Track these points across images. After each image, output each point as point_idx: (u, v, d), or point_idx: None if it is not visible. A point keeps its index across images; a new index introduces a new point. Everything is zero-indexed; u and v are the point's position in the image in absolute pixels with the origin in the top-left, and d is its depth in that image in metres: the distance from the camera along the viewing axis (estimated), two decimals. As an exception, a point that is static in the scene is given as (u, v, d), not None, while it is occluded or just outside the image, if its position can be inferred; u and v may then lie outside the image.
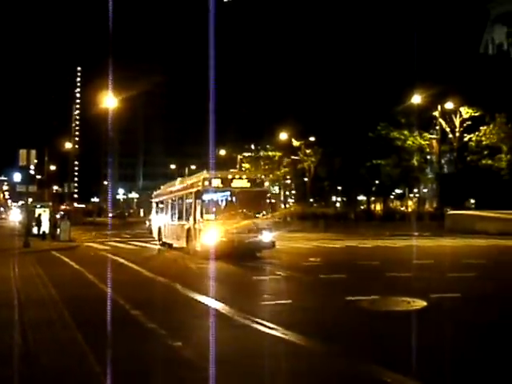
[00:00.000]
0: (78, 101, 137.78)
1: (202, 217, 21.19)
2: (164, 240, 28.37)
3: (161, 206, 30.63)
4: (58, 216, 41.96)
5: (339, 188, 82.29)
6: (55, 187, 79.43)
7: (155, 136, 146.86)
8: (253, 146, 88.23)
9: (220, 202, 22.33)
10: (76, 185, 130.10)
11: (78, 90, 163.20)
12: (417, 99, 48.64)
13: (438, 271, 16.78)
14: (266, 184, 23.30)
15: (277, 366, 7.20)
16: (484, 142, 49.61)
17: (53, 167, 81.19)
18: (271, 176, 69.71)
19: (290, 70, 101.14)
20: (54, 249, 26.76)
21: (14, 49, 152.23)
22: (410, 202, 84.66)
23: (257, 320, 9.67)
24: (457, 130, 50.50)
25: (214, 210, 21.61)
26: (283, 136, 72.05)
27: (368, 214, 75.02)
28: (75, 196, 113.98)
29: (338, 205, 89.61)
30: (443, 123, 50.25)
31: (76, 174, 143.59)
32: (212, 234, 20.54)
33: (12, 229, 47.65)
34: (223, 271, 17.64)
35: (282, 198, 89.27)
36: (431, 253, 23.87)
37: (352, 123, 63.28)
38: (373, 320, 10.11)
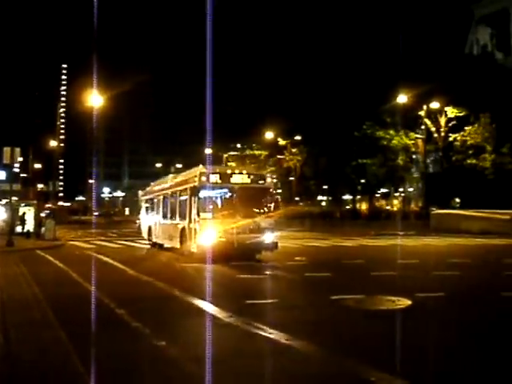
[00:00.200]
0: (63, 99, 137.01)
1: (198, 215, 19.39)
2: (154, 240, 27.00)
3: (151, 203, 29.07)
4: (42, 214, 41.73)
5: (325, 187, 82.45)
6: (40, 185, 78.92)
7: (141, 135, 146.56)
8: (239, 145, 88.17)
9: (218, 200, 20.69)
10: (61, 183, 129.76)
11: (64, 87, 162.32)
12: (402, 99, 48.83)
13: (422, 270, 16.85)
14: (269, 180, 21.21)
15: (262, 365, 7.18)
16: (469, 142, 49.94)
17: (38, 165, 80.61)
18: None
19: (277, 70, 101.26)
20: (38, 248, 26.57)
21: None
22: (395, 201, 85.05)
23: (242, 319, 9.66)
24: (442, 129, 50.74)
25: (211, 207, 19.86)
26: (269, 135, 72.10)
27: (354, 213, 75.28)
28: (60, 194, 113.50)
29: (323, 204, 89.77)
30: (428, 123, 50.50)
31: (61, 172, 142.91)
32: (209, 234, 18.93)
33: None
34: (210, 270, 17.59)
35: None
36: (416, 252, 23.97)
37: (338, 122, 63.44)
38: (358, 319, 10.13)
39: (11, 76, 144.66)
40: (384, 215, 67.58)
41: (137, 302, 11.60)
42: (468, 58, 66.35)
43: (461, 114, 49.82)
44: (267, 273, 16.44)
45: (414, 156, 61.04)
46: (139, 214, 33.52)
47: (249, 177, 20.57)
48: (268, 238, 19.79)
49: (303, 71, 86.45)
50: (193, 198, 19.94)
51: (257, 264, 18.99)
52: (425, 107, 49.49)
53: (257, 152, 79.37)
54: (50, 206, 56.38)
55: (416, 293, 12.01)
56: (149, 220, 28.79)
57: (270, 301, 11.62)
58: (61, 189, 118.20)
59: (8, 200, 32.25)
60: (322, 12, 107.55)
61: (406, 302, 11.29)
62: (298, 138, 70.43)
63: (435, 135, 51.43)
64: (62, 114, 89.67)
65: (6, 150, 27.12)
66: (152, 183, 32.35)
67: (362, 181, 67.28)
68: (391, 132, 55.96)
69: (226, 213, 19.77)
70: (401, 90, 48.87)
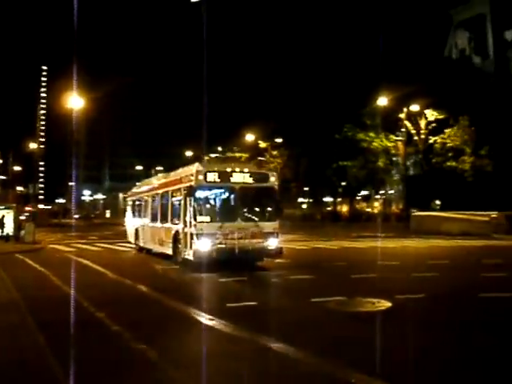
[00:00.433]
0: (43, 101, 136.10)
1: (194, 218, 17.41)
2: (142, 244, 25.27)
3: (139, 205, 27.14)
4: (22, 217, 41.35)
5: (306, 189, 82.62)
6: (20, 188, 78.32)
7: (122, 137, 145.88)
8: (220, 148, 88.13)
9: (217, 201, 19.23)
10: (41, 186, 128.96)
11: (44, 89, 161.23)
12: (383, 101, 49.15)
13: (403, 272, 16.94)
14: (272, 179, 18.92)
15: (242, 367, 7.19)
16: (448, 144, 50.34)
17: (17, 168, 79.98)
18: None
19: (258, 72, 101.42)
20: (17, 251, 26.30)
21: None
22: (376, 204, 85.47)
23: (222, 321, 9.68)
24: (422, 132, 51.08)
25: (209, 210, 18.39)
26: (250, 137, 72.13)
27: (334, 215, 75.56)
28: (40, 197, 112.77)
29: (304, 206, 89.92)
30: (409, 125, 50.81)
31: (41, 174, 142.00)
32: (207, 239, 17.14)
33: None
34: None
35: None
36: (396, 254, 24.11)
37: (318, 125, 63.67)
38: (338, 321, 10.18)
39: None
40: (365, 217, 67.92)
41: (116, 305, 11.56)
42: (447, 62, 66.81)
43: (440, 117, 50.18)
44: (246, 275, 16.15)
45: (394, 158, 61.34)
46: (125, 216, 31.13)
47: (250, 175, 18.53)
48: (272, 243, 18.15)
49: (284, 74, 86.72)
50: (188, 200, 17.99)
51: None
52: (405, 110, 49.81)
53: (237, 154, 79.36)
54: (29, 208, 55.96)
55: (396, 294, 12.09)
56: (136, 223, 27.06)
57: (249, 303, 11.63)
58: (41, 191, 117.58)
59: (-13, 203, 31.90)
60: (303, 16, 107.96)
61: (386, 304, 11.36)
62: (278, 140, 70.55)
63: (415, 138, 51.76)
64: (42, 117, 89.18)
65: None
66: (139, 183, 30.79)
67: (343, 183, 67.55)
68: (372, 134, 56.20)
69: (226, 216, 18.18)
70: (381, 93, 49.19)
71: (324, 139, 62.40)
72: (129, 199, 30.22)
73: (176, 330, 9.33)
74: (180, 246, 18.79)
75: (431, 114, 50.30)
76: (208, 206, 18.58)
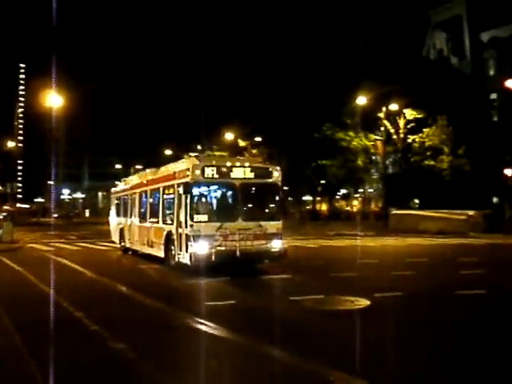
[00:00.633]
0: (21, 99, 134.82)
1: (191, 218, 15.96)
2: (128, 245, 23.83)
3: (125, 202, 25.39)
4: (0, 217, 40.95)
5: (285, 188, 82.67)
6: (-3, 187, 77.40)
7: (101, 136, 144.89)
8: (199, 146, 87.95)
9: (215, 198, 17.63)
10: (20, 185, 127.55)
11: (22, 87, 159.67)
12: (362, 100, 49.36)
13: (381, 270, 17.08)
14: (276, 174, 17.39)
15: (219, 366, 7.22)
16: (427, 144, 50.62)
17: (-5, 166, 79.06)
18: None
19: (238, 71, 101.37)
20: (-5, 250, 26.04)
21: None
22: (355, 202, 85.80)
23: (199, 320, 9.70)
24: (401, 131, 51.31)
25: (207, 208, 16.89)
26: (229, 136, 72.06)
27: (314, 213, 75.71)
28: (19, 196, 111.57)
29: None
30: (388, 124, 51.03)
31: (20, 173, 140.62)
32: (205, 241, 15.70)
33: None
34: (162, 271, 17.52)
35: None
36: (375, 252, 24.25)
37: (298, 124, 63.75)
38: (316, 319, 10.23)
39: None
40: (344, 216, 68.09)
41: (95, 304, 11.52)
42: (425, 62, 67.26)
43: (419, 116, 50.42)
44: (224, 274, 15.62)
45: (373, 157, 61.53)
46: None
47: (252, 170, 17.00)
48: (275, 244, 16.72)
49: (264, 73, 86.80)
50: (184, 197, 16.45)
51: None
52: (384, 109, 50.06)
53: (217, 153, 79.19)
54: (7, 207, 55.39)
55: (375, 293, 12.18)
56: (121, 221, 25.38)
57: (227, 302, 11.64)
58: (19, 190, 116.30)
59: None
60: (284, 16, 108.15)
61: (364, 302, 11.45)
62: (258, 139, 70.56)
63: (394, 137, 51.97)
64: (21, 115, 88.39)
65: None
66: (127, 178, 28.89)
67: (322, 182, 67.70)
68: (351, 133, 56.32)
69: (226, 215, 16.67)
70: (360, 92, 49.39)
71: (303, 138, 62.49)
72: (114, 196, 28.42)
73: (153, 329, 9.32)
74: (173, 248, 17.33)
75: (410, 114, 50.55)
76: (206, 204, 17.04)
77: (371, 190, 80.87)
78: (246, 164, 17.24)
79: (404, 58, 62.66)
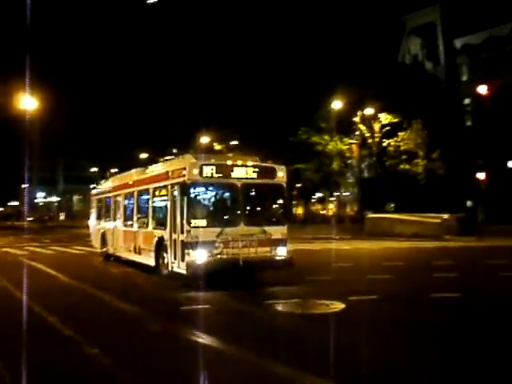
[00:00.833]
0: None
1: (188, 222, 14.40)
2: (111, 251, 22.26)
3: (108, 204, 23.60)
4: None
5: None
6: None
7: (76, 139, 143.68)
8: (175, 150, 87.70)
9: (215, 201, 16.09)
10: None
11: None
12: (337, 104, 49.67)
13: (357, 274, 17.14)
14: (281, 174, 15.92)
15: (193, 370, 7.18)
16: (402, 147, 51.02)
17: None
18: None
19: (213, 74, 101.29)
20: (-33, 255, 25.69)
21: None
22: (331, 206, 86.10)
23: (174, 325, 9.65)
24: (376, 135, 51.66)
25: (206, 212, 15.40)
26: (205, 140, 71.94)
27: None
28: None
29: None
30: (363, 128, 51.39)
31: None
32: (204, 248, 14.25)
33: None
34: (133, 275, 17.39)
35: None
36: (351, 255, 24.35)
37: (273, 127, 63.81)
38: (291, 323, 10.22)
39: None
40: (319, 219, 68.26)
41: (69, 309, 11.42)
42: (401, 67, 67.81)
43: (394, 120, 50.83)
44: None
45: (348, 161, 61.83)
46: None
47: (255, 170, 15.48)
48: (281, 252, 15.39)
49: (239, 76, 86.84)
50: (179, 199, 15.00)
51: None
52: (359, 113, 50.45)
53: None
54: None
55: (349, 296, 12.23)
56: (103, 225, 23.75)
57: (202, 306, 11.59)
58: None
59: None
60: (258, 20, 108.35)
61: (339, 306, 11.48)
62: (234, 142, 70.56)
63: (370, 141, 52.31)
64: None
65: None
66: (109, 179, 27.06)
67: (298, 185, 67.85)
68: (326, 137, 56.54)
69: (227, 219, 15.32)
70: (336, 96, 49.72)
71: (279, 142, 62.59)
72: (95, 198, 26.35)
73: (127, 334, 9.26)
74: (166, 255, 15.76)
75: (385, 118, 50.94)
76: (204, 207, 15.57)
77: (347, 194, 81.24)
78: (249, 163, 15.62)
79: (379, 63, 63.10)
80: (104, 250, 23.07)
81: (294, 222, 67.81)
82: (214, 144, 71.39)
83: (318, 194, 78.39)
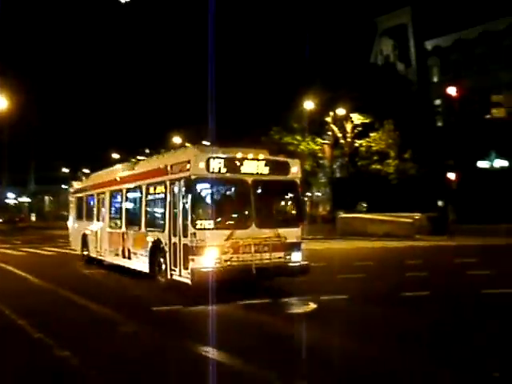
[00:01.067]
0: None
1: (193, 224, 12.56)
2: (93, 254, 20.17)
3: (89, 203, 21.33)
4: None
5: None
6: None
7: (47, 139, 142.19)
8: (147, 150, 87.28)
9: (224, 200, 14.01)
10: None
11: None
12: (309, 105, 49.86)
13: (329, 273, 17.21)
14: (295, 170, 14.33)
15: (166, 371, 7.18)
16: (373, 148, 51.32)
17: None
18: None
19: (185, 73, 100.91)
20: None
21: None
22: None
23: (145, 326, 9.64)
24: (348, 135, 51.90)
25: (213, 212, 13.06)
26: (177, 140, 71.75)
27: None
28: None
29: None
30: (335, 129, 51.61)
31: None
32: (211, 254, 12.49)
33: None
34: (102, 275, 17.28)
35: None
36: (323, 255, 24.39)
37: (245, 127, 63.84)
38: (263, 323, 10.25)
39: None
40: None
41: (40, 311, 11.32)
42: (373, 68, 68.22)
43: (366, 121, 51.11)
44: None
45: (320, 161, 62.03)
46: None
47: (267, 164, 13.79)
48: (295, 257, 13.81)
49: (210, 75, 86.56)
50: (182, 198, 13.27)
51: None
52: (331, 113, 50.70)
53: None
54: None
55: (321, 296, 12.30)
56: (84, 226, 21.55)
57: (172, 307, 11.54)
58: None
59: None
60: (234, 17, 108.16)
61: (311, 306, 11.54)
62: (206, 143, 70.40)
63: (342, 141, 52.53)
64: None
65: None
66: (91, 175, 24.36)
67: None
68: (298, 137, 56.61)
69: (237, 220, 13.67)
70: (308, 97, 49.90)
71: (251, 142, 62.56)
72: (74, 196, 23.98)
73: (97, 336, 9.22)
74: (164, 261, 13.90)
75: (357, 118, 51.19)
76: (211, 206, 13.21)
77: (319, 194, 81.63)
78: (260, 156, 13.87)
79: (352, 64, 63.47)
80: (85, 253, 21.13)
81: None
82: (187, 144, 71.17)
83: (291, 194, 78.52)
